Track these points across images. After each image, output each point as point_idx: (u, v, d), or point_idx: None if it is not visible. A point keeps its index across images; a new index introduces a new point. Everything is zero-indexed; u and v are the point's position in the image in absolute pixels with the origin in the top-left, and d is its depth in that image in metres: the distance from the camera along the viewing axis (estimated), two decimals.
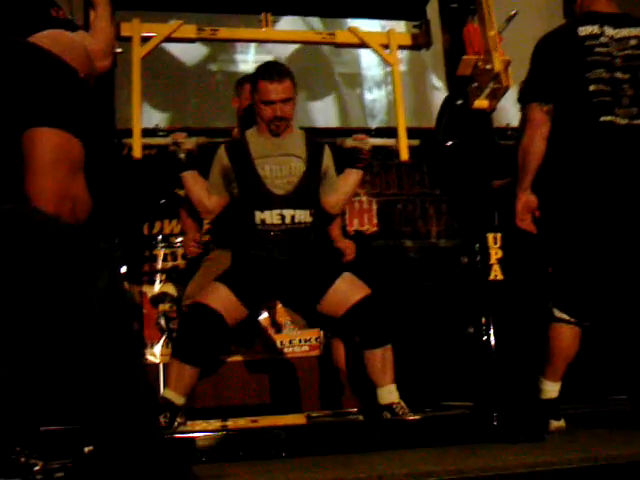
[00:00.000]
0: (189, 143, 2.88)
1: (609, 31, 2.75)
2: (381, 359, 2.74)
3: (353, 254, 3.12)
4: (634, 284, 2.72)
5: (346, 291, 2.78)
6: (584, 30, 2.75)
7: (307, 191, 2.88)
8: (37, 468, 1.71)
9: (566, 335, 2.73)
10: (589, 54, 2.71)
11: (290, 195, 2.83)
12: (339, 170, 3.06)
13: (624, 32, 2.76)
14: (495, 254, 2.68)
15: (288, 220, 2.81)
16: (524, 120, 2.80)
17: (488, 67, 2.60)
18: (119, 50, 2.70)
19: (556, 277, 2.83)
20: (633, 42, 2.75)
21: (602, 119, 2.67)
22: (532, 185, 2.79)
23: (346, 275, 2.84)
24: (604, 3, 2.86)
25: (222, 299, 2.71)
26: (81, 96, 1.71)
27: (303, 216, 2.84)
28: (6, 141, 1.59)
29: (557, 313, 2.75)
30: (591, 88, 2.68)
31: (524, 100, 2.80)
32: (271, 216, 2.80)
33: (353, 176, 3.04)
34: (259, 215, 2.81)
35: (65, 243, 1.49)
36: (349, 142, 3.00)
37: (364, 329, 2.76)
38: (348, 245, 3.15)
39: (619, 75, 2.70)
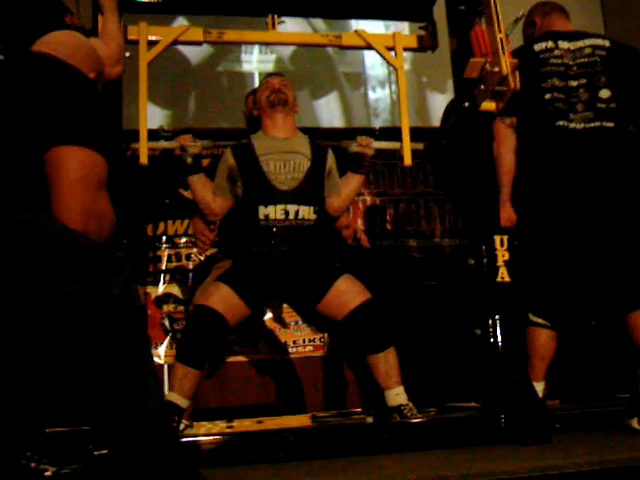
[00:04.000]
0: (195, 147, 2.88)
1: (564, 44, 2.88)
2: (384, 363, 2.74)
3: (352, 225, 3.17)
4: (601, 285, 2.82)
5: (346, 295, 2.78)
6: (539, 46, 2.89)
7: (311, 187, 2.91)
8: (48, 474, 1.71)
9: (541, 337, 2.88)
10: (543, 65, 2.85)
11: (294, 190, 2.86)
12: (342, 172, 3.08)
13: (579, 44, 2.89)
14: (502, 256, 2.68)
15: (292, 215, 2.83)
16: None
17: (496, 69, 2.58)
18: (127, 54, 2.69)
19: (530, 283, 2.88)
20: (588, 50, 2.87)
21: (557, 124, 2.78)
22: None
23: (346, 277, 2.85)
24: (561, 24, 3.02)
25: (224, 299, 2.72)
26: (98, 108, 1.70)
27: (307, 212, 2.86)
28: (30, 161, 1.58)
29: (532, 317, 2.88)
30: (546, 97, 2.82)
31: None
32: (275, 211, 2.82)
33: (355, 181, 3.08)
34: (263, 210, 2.83)
35: (79, 252, 1.49)
36: (353, 147, 3.01)
37: (365, 334, 2.76)
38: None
39: (573, 83, 2.82)
